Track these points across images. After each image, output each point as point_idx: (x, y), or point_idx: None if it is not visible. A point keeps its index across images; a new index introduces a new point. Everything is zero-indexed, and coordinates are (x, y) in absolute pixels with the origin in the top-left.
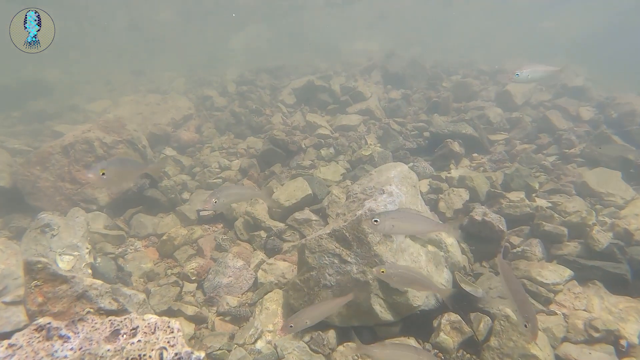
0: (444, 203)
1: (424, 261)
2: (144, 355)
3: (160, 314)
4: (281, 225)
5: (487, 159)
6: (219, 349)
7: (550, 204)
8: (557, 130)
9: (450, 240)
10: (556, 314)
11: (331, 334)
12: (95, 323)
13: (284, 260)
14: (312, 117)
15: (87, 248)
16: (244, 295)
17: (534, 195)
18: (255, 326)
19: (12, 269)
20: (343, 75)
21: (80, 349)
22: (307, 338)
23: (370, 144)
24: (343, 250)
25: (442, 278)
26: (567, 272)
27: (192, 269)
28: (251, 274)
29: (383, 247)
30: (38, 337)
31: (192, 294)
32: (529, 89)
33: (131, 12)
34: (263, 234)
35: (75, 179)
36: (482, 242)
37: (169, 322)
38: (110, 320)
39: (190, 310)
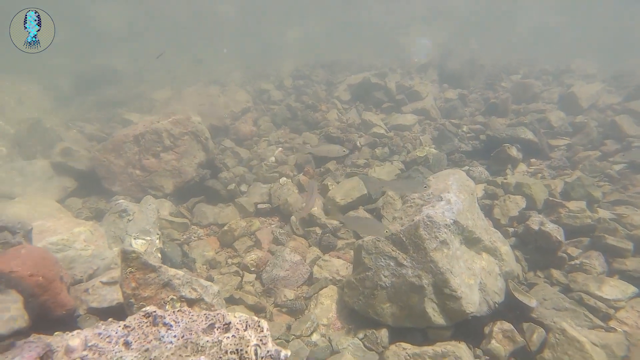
0: (499, 209)
1: (478, 268)
2: (241, 350)
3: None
4: (335, 222)
5: (545, 165)
6: (278, 339)
7: (614, 216)
8: (627, 136)
9: (504, 249)
10: (616, 331)
11: (384, 333)
12: (192, 315)
13: (339, 257)
14: (367, 115)
15: (158, 234)
16: (299, 288)
17: (595, 205)
18: (311, 319)
19: (101, 250)
20: (398, 73)
21: (182, 337)
22: (360, 335)
23: (425, 145)
24: (399, 254)
25: (496, 286)
26: (631, 289)
27: (252, 260)
28: (307, 269)
29: (439, 253)
30: (146, 322)
31: (251, 284)
32: (597, 91)
33: (191, 3)
34: (318, 230)
35: (144, 167)
36: (537, 251)
37: (259, 321)
38: (205, 314)
39: (250, 300)
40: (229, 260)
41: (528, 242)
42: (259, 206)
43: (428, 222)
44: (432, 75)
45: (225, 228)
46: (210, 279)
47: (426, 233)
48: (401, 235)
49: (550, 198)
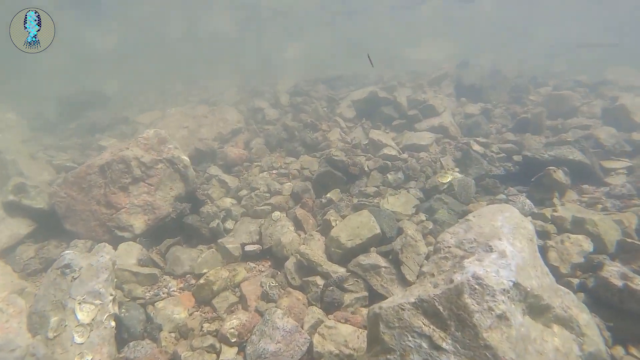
0: (556, 254)
1: (551, 349)
2: None
3: None
4: (341, 270)
5: (603, 193)
6: None
7: None
8: None
9: (583, 317)
10: None
11: None
12: None
13: (347, 321)
14: (375, 134)
15: (111, 295)
16: None
17: None
18: None
19: (10, 336)
20: (409, 86)
21: None
22: None
23: (448, 169)
24: (435, 331)
25: None
26: None
27: (233, 328)
28: (305, 339)
29: (496, 334)
30: None
31: None
32: None
33: (187, 21)
34: (319, 280)
35: (110, 203)
36: (624, 316)
37: None
38: None
39: None
40: (205, 326)
41: (606, 301)
42: (247, 248)
43: (476, 286)
44: (447, 89)
45: (202, 281)
46: (176, 357)
47: (474, 302)
48: (436, 304)
49: (626, 239)
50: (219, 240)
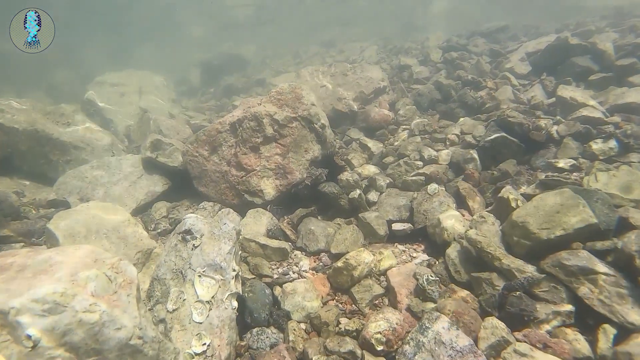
0: None
1: None
2: None
3: None
4: (531, 269)
5: None
6: None
7: None
8: None
9: None
10: None
11: None
12: None
13: (547, 346)
14: (566, 91)
15: (234, 270)
16: None
17: None
18: None
19: (117, 312)
20: (611, 31)
21: None
22: None
23: None
24: None
25: None
26: None
27: (379, 332)
28: None
29: None
30: None
31: None
32: None
33: None
34: (496, 279)
35: (241, 164)
36: None
37: None
38: None
39: None
40: (342, 322)
41: None
42: (395, 226)
43: None
44: None
45: (340, 265)
46: (306, 359)
47: None
48: None
49: None
50: (360, 215)
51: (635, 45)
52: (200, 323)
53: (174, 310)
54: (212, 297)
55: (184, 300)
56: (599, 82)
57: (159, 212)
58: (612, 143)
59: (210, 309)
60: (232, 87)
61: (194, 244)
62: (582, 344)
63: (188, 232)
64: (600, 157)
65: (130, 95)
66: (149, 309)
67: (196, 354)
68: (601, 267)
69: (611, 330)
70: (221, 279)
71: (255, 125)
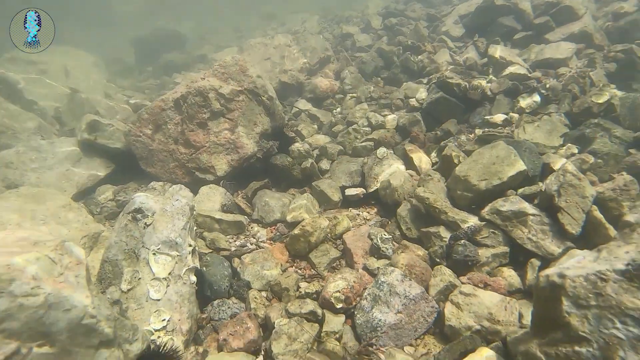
0: None
1: None
2: None
3: None
4: (473, 219)
5: None
6: None
7: None
8: None
9: None
10: None
11: None
12: None
13: (487, 285)
14: (496, 50)
15: (190, 245)
16: (419, 342)
17: None
18: None
19: (65, 292)
20: None
21: None
22: None
23: (603, 85)
24: None
25: None
26: None
27: (338, 291)
28: (432, 307)
29: None
30: None
31: (336, 334)
32: None
33: None
34: (444, 232)
35: (189, 142)
36: None
37: None
38: None
39: None
40: (302, 286)
41: None
42: (348, 192)
43: None
44: None
45: (297, 232)
46: (267, 322)
47: None
48: None
49: None
50: (314, 183)
51: (548, 3)
52: (158, 300)
53: (128, 290)
54: (169, 273)
55: (139, 279)
56: (522, 41)
57: (105, 196)
58: (536, 97)
59: (168, 285)
60: (171, 64)
61: (145, 223)
62: (515, 279)
63: (138, 210)
64: (527, 111)
65: (55, 74)
66: (102, 292)
67: (156, 330)
68: (530, 209)
69: (536, 263)
70: (177, 255)
71: (200, 100)
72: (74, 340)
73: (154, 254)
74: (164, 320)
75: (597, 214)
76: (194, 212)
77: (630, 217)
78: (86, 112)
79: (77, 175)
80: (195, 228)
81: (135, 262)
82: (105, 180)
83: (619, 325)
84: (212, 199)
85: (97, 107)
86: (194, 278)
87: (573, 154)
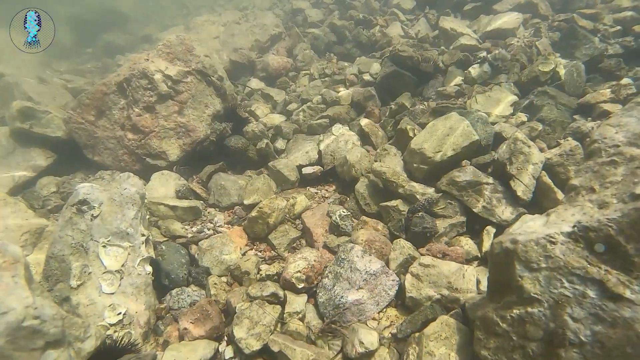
0: None
1: None
2: None
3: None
4: (430, 190)
5: None
6: None
7: None
8: None
9: None
10: None
11: None
12: None
13: (445, 255)
14: (447, 22)
15: (143, 235)
16: (382, 315)
17: None
18: None
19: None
20: None
21: None
22: None
23: (549, 55)
24: (609, 274)
25: None
26: None
27: (299, 271)
28: (393, 281)
29: None
30: None
31: (299, 314)
32: None
33: None
34: (402, 205)
35: (136, 127)
36: None
37: None
38: None
39: (300, 356)
40: (262, 269)
41: None
42: (305, 170)
43: None
44: None
45: (254, 214)
46: (228, 308)
47: None
48: (612, 232)
49: None
50: (270, 164)
51: None
52: (112, 293)
53: (78, 285)
54: (122, 265)
55: (90, 273)
56: (472, 12)
57: (47, 188)
58: (486, 67)
59: (122, 278)
60: (113, 45)
61: (92, 214)
62: (471, 247)
63: (83, 202)
64: (478, 81)
65: None
66: (49, 290)
67: (112, 325)
68: (484, 178)
69: (492, 231)
70: (130, 246)
71: (146, 83)
72: (15, 344)
73: (104, 246)
74: (120, 314)
75: (547, 179)
76: (146, 200)
77: (575, 181)
78: (17, 98)
79: (12, 167)
80: (148, 217)
81: (84, 256)
82: (47, 172)
83: (566, 284)
84: (166, 186)
85: (29, 93)
86: (149, 268)
87: (523, 122)
